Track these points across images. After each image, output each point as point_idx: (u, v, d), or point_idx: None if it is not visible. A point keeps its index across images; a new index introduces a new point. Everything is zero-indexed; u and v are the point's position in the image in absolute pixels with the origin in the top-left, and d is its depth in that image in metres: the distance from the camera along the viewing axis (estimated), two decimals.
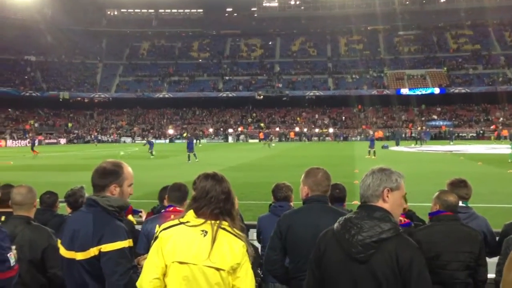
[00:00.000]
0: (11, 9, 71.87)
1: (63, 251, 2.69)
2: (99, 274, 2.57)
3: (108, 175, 2.70)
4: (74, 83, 73.74)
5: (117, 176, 2.71)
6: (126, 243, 2.60)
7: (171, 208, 3.66)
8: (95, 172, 2.73)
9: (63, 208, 4.81)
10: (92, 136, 64.98)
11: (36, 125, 66.65)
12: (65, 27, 74.94)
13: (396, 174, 2.32)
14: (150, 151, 32.08)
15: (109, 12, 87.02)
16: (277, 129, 67.20)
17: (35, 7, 71.94)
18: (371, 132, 44.64)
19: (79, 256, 2.59)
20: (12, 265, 2.78)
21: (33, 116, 68.95)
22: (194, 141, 33.15)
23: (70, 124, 69.94)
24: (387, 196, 2.26)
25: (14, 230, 3.34)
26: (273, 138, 55.61)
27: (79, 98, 72.64)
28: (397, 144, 43.02)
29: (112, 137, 66.37)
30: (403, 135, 56.47)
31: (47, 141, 61.20)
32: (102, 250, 2.54)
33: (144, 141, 47.79)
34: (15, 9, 72.36)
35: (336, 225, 2.31)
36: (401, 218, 3.85)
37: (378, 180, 2.28)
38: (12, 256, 2.83)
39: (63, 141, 63.47)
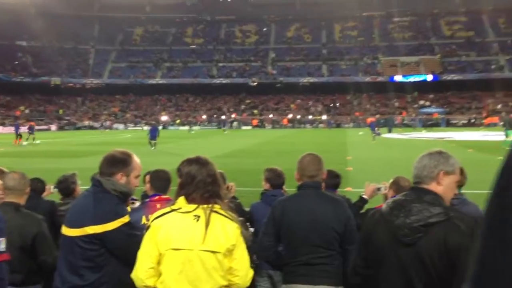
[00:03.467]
0: None
1: (63, 228, 2.74)
2: (92, 253, 2.59)
3: (117, 163, 2.74)
4: (65, 68, 73.07)
5: (125, 165, 2.74)
6: (128, 217, 2.65)
7: (156, 197, 3.60)
8: (104, 160, 2.77)
9: (56, 196, 4.78)
10: (90, 122, 64.52)
11: (26, 111, 66.10)
12: (57, 12, 74.01)
13: (454, 158, 2.31)
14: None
15: None
16: (271, 116, 67.13)
17: None
18: (372, 119, 46.01)
19: (74, 232, 2.62)
20: (2, 250, 2.77)
21: (23, 102, 68.36)
22: (159, 127, 30.97)
23: (61, 111, 69.41)
24: (442, 179, 2.23)
25: (3, 216, 3.31)
26: (232, 124, 55.40)
27: (70, 84, 72.06)
28: (390, 131, 43.10)
29: (106, 123, 66.01)
30: (396, 122, 56.61)
31: (37, 127, 60.70)
32: (107, 229, 2.56)
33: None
34: None
35: (384, 206, 2.30)
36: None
37: (436, 162, 2.26)
38: (3, 242, 2.82)
39: (54, 127, 62.96)
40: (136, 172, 2.78)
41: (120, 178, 2.71)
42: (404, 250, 2.15)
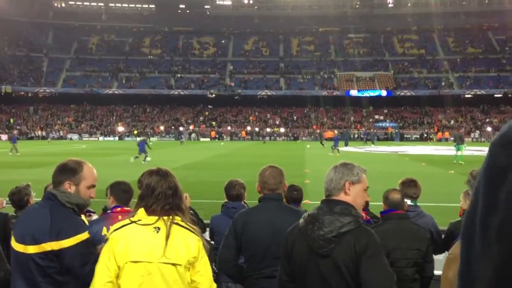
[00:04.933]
0: None
1: (14, 243, 2.60)
2: (50, 271, 2.50)
3: (66, 171, 2.66)
4: (17, 76, 70.56)
5: (74, 174, 2.65)
6: (87, 234, 2.57)
7: (119, 209, 3.55)
8: (55, 168, 2.70)
9: (10, 209, 4.59)
10: (43, 132, 62.38)
11: None
12: (9, 17, 71.44)
13: (358, 168, 2.42)
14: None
15: (56, 4, 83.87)
16: (229, 128, 67.16)
17: None
18: (336, 132, 47.03)
19: (31, 249, 2.50)
20: None
21: None
22: (147, 140, 31.21)
23: (12, 120, 66.89)
24: (349, 189, 2.35)
25: None
26: (183, 137, 55.40)
27: (22, 93, 69.60)
28: (346, 145, 43.97)
29: (58, 133, 64.10)
30: (352, 136, 57.84)
31: None
32: (64, 246, 2.47)
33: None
34: None
35: (301, 220, 2.38)
36: (363, 214, 3.96)
37: (340, 174, 2.39)
38: None
39: (4, 137, 60.55)
40: (87, 182, 2.67)
41: (68, 187, 2.63)
42: (322, 261, 2.25)
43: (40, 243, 2.49)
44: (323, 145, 42.31)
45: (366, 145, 47.01)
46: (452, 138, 40.21)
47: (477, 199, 0.68)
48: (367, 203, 3.31)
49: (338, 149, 32.68)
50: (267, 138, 62.97)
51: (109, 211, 3.62)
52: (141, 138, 33.30)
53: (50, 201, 2.61)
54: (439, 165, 22.49)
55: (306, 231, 2.30)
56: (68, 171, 2.66)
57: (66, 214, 2.57)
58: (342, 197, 2.35)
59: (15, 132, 46.17)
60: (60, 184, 2.64)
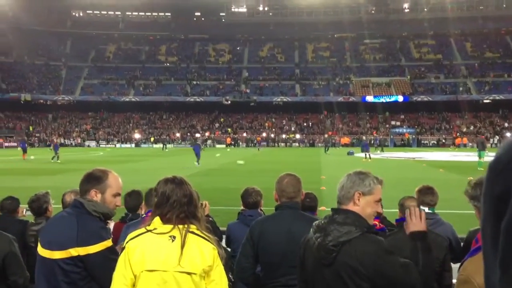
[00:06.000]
0: None
1: (40, 249, 2.66)
2: (75, 276, 2.54)
3: (92, 180, 2.71)
4: (36, 85, 71.80)
5: (99, 182, 2.70)
6: (111, 242, 2.63)
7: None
8: (82, 176, 2.76)
9: (30, 218, 4.66)
10: (62, 140, 63.23)
11: None
12: (28, 27, 72.92)
13: (371, 179, 2.36)
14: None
15: (74, 13, 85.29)
16: (244, 134, 67.29)
17: None
18: (364, 138, 45.87)
19: (57, 254, 2.55)
20: None
21: None
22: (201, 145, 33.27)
23: (31, 128, 67.98)
24: (358, 200, 2.31)
25: None
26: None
27: (41, 101, 70.77)
28: (362, 151, 43.64)
29: (75, 141, 64.94)
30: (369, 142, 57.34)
31: (6, 144, 59.37)
32: (90, 252, 2.53)
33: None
34: None
35: (310, 231, 2.39)
36: (375, 222, 3.90)
37: (351, 183, 2.35)
38: None
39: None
40: (112, 190, 2.72)
41: (94, 195, 2.67)
42: (327, 270, 2.25)
43: (66, 248, 2.54)
44: (326, 152, 42.25)
45: (377, 151, 46.46)
46: (472, 144, 39.54)
47: (484, 225, 0.70)
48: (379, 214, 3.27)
49: (369, 155, 32.38)
50: (283, 144, 62.90)
51: (144, 216, 3.72)
52: (196, 142, 35.13)
53: (77, 209, 2.66)
54: (457, 172, 22.16)
55: (313, 240, 2.31)
56: (94, 179, 2.71)
57: (92, 221, 2.62)
58: (350, 206, 2.32)
59: (56, 140, 47.50)
60: (86, 193, 2.69)
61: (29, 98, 68.32)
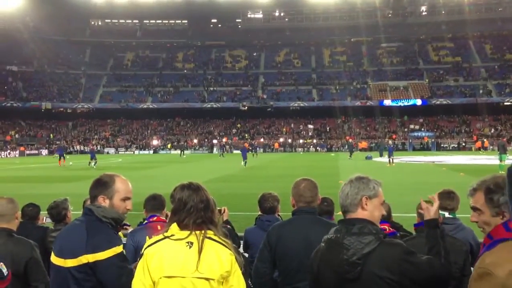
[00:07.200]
0: None
1: (53, 258, 2.68)
2: (87, 284, 2.55)
3: (99, 185, 2.71)
4: (56, 93, 73.02)
5: (106, 188, 2.69)
6: (121, 248, 2.61)
7: (155, 218, 3.63)
8: (91, 182, 2.76)
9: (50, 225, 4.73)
10: (81, 147, 64.15)
11: (17, 136, 65.71)
12: (48, 36, 74.32)
13: (374, 181, 2.35)
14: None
15: (93, 22, 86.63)
16: (262, 140, 67.32)
17: (18, 17, 71.25)
18: (390, 142, 44.35)
19: (69, 263, 2.57)
20: (5, 274, 2.74)
21: (14, 127, 67.99)
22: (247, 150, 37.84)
23: (52, 135, 69.08)
24: (366, 204, 2.29)
25: None
26: (219, 149, 56.04)
27: (61, 109, 71.89)
28: (381, 155, 43.30)
29: (96, 148, 65.74)
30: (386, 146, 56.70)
31: (28, 152, 60.41)
32: (98, 258, 2.52)
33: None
34: None
35: (322, 245, 2.33)
36: (385, 226, 3.85)
37: (356, 189, 2.32)
38: (3, 266, 2.79)
39: (44, 152, 62.63)
40: (120, 194, 2.69)
41: (103, 201, 2.66)
42: (352, 285, 2.17)
43: (77, 256, 2.55)
44: (382, 155, 41.55)
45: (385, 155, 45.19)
46: (493, 147, 38.76)
47: None
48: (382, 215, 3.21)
49: (392, 160, 32.14)
50: (300, 150, 62.72)
51: (146, 221, 3.72)
52: (242, 146, 40.47)
53: (87, 216, 2.67)
54: (479, 175, 21.56)
55: (330, 256, 2.24)
56: (101, 185, 2.70)
57: (102, 229, 2.61)
58: (359, 213, 2.29)
59: (93, 147, 48.93)
60: (95, 199, 2.69)
61: (50, 107, 69.51)
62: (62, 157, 36.08)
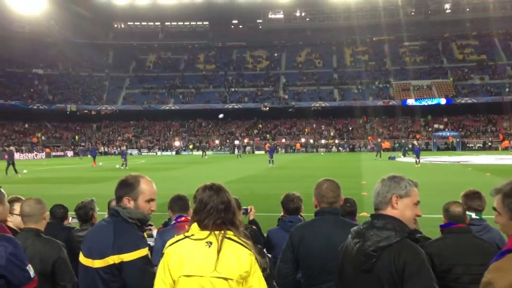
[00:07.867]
0: (19, 23, 72.78)
1: (81, 258, 2.73)
2: (114, 285, 2.58)
3: (124, 187, 2.75)
4: (81, 95, 74.30)
5: (131, 189, 2.72)
6: (146, 250, 2.64)
7: (183, 218, 3.67)
8: (116, 184, 2.79)
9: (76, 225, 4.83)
10: (105, 148, 65.10)
11: (43, 138, 67.06)
12: (72, 40, 75.75)
13: (406, 181, 2.34)
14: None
15: (115, 25, 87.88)
16: (283, 140, 67.22)
17: (43, 21, 72.77)
18: (416, 143, 43.23)
19: (97, 264, 2.61)
20: (32, 276, 2.80)
21: (40, 129, 69.42)
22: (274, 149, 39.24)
23: (77, 137, 70.31)
24: (396, 203, 2.29)
25: (24, 242, 3.34)
26: (245, 149, 56.27)
27: (86, 111, 73.14)
28: (404, 155, 42.82)
29: (118, 149, 66.65)
30: (410, 146, 56.00)
31: (54, 153, 61.58)
32: (124, 260, 2.55)
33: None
34: (23, 23, 73.25)
35: (349, 237, 2.39)
36: (416, 227, 3.79)
37: (387, 187, 2.33)
38: (31, 268, 2.86)
39: (70, 153, 63.78)
40: (144, 196, 2.71)
41: (128, 203, 2.69)
42: (365, 276, 2.21)
43: (104, 257, 2.59)
44: (405, 155, 40.93)
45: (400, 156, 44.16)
46: None
47: None
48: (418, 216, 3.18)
49: (419, 160, 31.89)
50: (322, 150, 62.43)
51: (173, 222, 3.77)
52: (271, 146, 42.64)
53: (114, 217, 2.70)
54: (505, 175, 21.32)
55: (352, 246, 2.30)
56: (126, 186, 2.74)
57: (128, 229, 2.65)
58: (389, 211, 2.30)
59: (124, 148, 50.07)
60: (120, 200, 2.73)
61: (74, 109, 70.80)
62: (94, 158, 38.09)
